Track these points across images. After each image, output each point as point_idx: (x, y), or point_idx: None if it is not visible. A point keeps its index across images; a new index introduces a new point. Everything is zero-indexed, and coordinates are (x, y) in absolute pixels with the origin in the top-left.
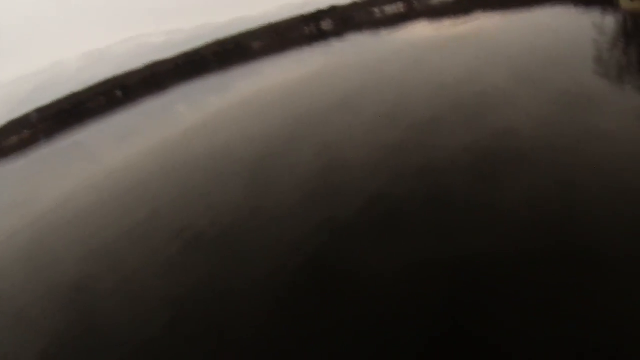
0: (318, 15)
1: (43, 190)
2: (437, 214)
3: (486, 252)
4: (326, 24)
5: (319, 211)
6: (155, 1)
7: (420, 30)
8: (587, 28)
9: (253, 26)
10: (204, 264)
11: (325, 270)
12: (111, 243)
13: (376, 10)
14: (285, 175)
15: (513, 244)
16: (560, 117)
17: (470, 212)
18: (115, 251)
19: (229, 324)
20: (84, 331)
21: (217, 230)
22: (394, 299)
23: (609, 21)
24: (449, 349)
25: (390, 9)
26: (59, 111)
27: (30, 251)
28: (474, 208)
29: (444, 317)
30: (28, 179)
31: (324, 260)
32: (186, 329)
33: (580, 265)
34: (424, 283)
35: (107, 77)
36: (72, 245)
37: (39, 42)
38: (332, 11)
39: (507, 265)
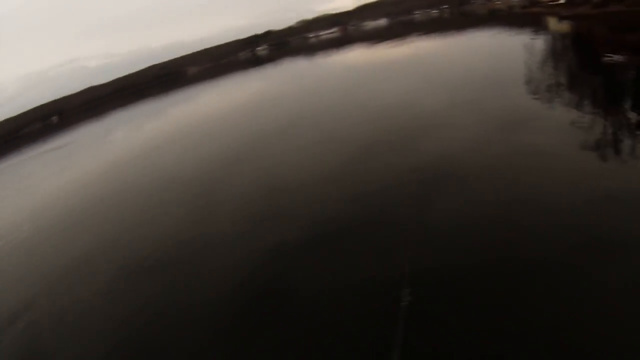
0: (253, 40)
1: None
2: (379, 235)
3: (428, 268)
4: (262, 49)
5: (260, 235)
6: (89, 22)
7: (356, 55)
8: (518, 49)
9: (188, 51)
10: (147, 293)
11: (269, 294)
12: (50, 277)
13: (311, 35)
14: (226, 201)
15: (454, 260)
16: (495, 137)
17: (410, 232)
18: (56, 283)
19: (172, 348)
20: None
21: (160, 258)
22: (339, 319)
23: (539, 42)
24: None
25: (325, 34)
26: None
27: None
28: (414, 228)
29: (390, 335)
30: None
31: (267, 283)
32: (128, 356)
33: (520, 276)
34: (368, 302)
35: (45, 102)
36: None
37: None
38: (267, 36)
39: (451, 279)
